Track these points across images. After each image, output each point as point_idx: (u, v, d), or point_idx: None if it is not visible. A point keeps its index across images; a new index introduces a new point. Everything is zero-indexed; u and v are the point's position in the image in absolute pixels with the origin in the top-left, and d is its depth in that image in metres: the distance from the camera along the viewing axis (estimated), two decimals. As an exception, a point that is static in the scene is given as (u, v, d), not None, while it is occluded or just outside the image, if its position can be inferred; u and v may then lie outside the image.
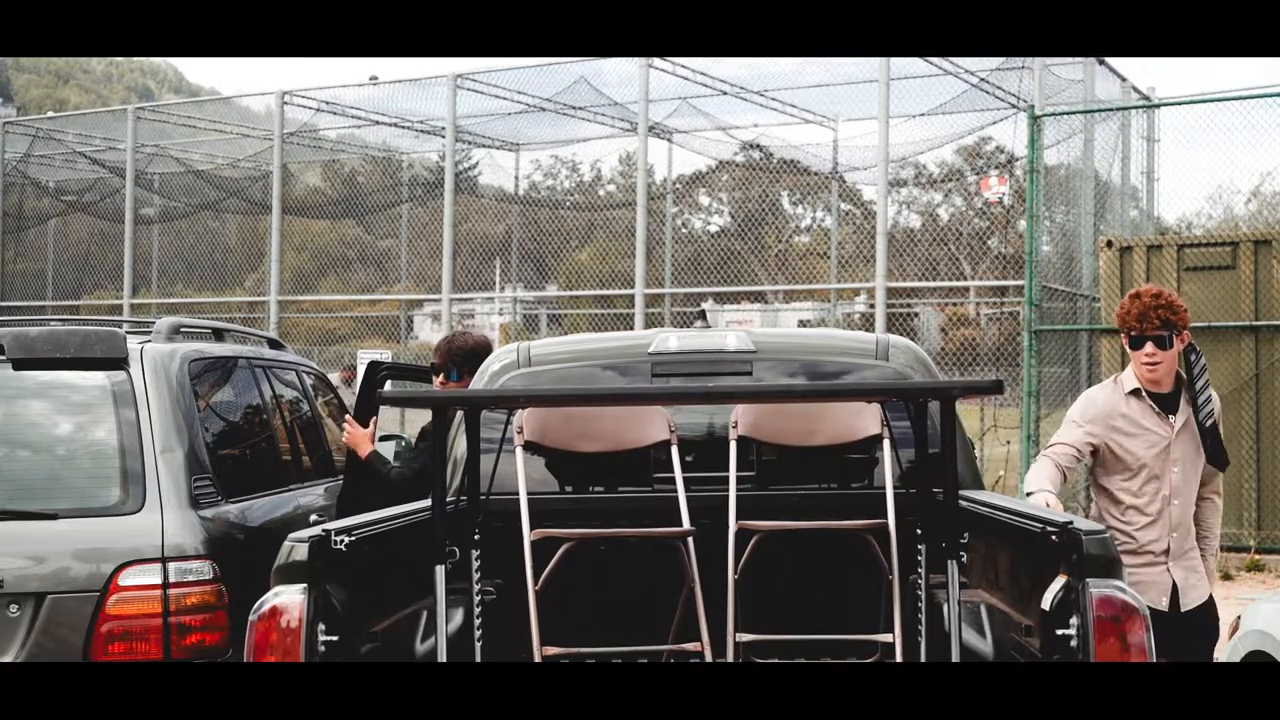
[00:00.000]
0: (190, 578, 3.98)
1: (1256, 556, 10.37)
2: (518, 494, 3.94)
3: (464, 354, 5.14)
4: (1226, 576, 10.12)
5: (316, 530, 3.07)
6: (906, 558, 3.82)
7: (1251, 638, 4.52)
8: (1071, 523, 3.00)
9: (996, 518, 3.51)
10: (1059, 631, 2.91)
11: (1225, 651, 4.71)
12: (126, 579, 3.96)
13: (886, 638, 3.76)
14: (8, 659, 3.92)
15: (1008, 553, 3.46)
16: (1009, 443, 11.46)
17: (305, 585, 2.95)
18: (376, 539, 3.36)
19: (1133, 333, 4.38)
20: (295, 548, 2.99)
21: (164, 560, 3.96)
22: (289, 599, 2.95)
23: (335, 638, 2.97)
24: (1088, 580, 2.87)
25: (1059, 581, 2.96)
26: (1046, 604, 2.97)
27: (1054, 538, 3.01)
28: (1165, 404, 4.43)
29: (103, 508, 4.07)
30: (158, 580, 3.93)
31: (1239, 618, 4.74)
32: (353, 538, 3.14)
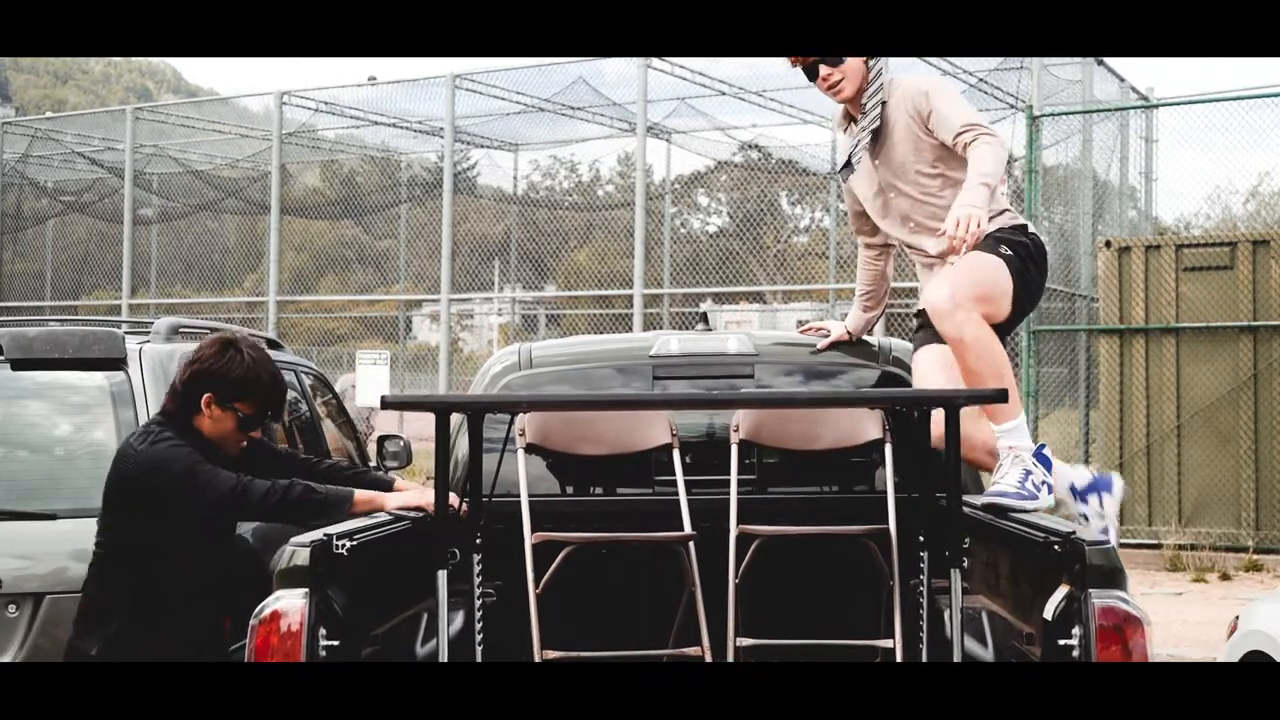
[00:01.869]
0: (189, 578, 3.97)
1: (1255, 556, 10.37)
2: (519, 497, 3.94)
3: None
4: (1225, 577, 10.13)
5: (318, 534, 3.06)
6: (908, 563, 3.81)
7: (1250, 638, 4.53)
8: (1074, 532, 2.99)
9: (999, 525, 3.50)
10: (1061, 641, 2.90)
11: (1224, 651, 4.71)
12: (125, 579, 3.95)
13: (887, 644, 3.75)
14: (6, 659, 3.92)
15: (1010, 561, 3.46)
16: (1008, 443, 11.45)
17: (306, 590, 2.95)
18: (378, 543, 3.35)
19: (802, 66, 4.08)
20: (296, 552, 2.99)
21: (163, 561, 3.95)
22: (290, 603, 2.95)
23: (336, 642, 2.97)
24: (1090, 590, 2.86)
25: (1061, 591, 2.95)
26: (1049, 613, 2.96)
27: (1057, 547, 3.01)
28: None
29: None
30: (157, 581, 3.92)
31: (1237, 618, 4.74)
32: (354, 542, 3.13)
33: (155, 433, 3.68)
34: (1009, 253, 3.89)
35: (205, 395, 3.72)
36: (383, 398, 3.11)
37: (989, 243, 3.88)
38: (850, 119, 4.18)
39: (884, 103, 4.04)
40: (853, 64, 4.02)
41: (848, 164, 4.11)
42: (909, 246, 4.19)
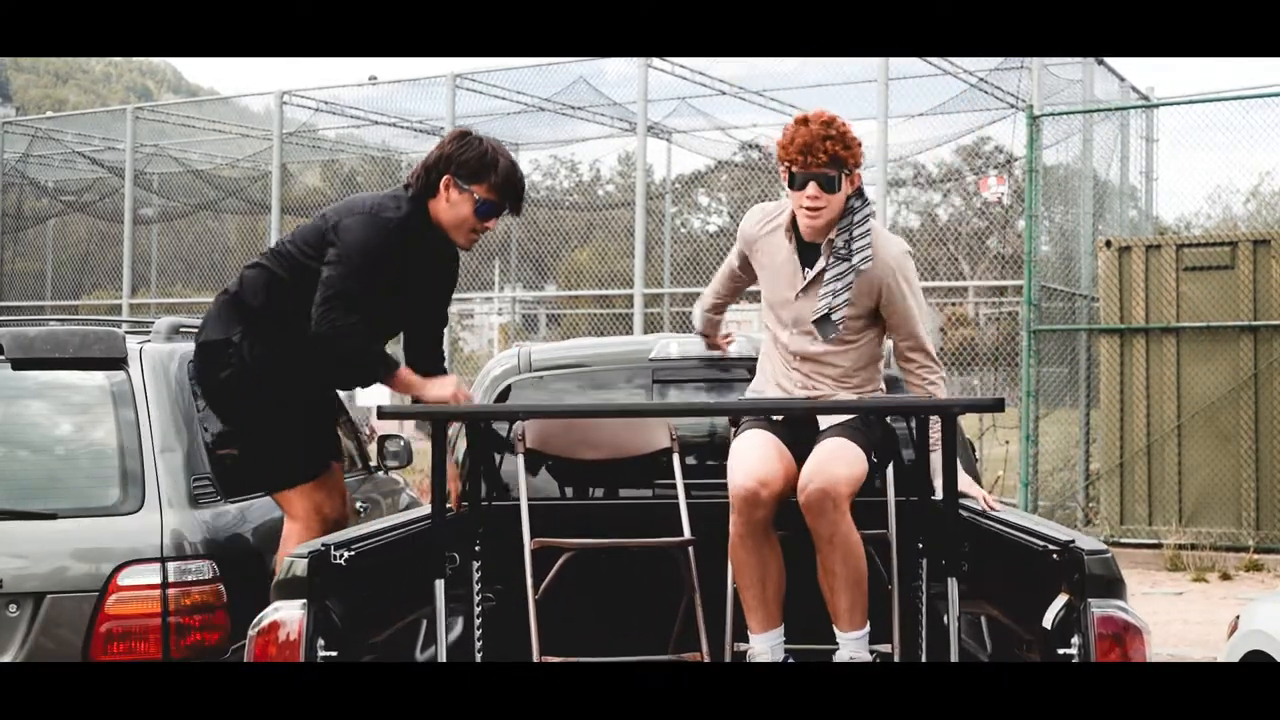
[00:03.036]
0: (190, 577, 3.97)
1: (1255, 556, 10.37)
2: (519, 501, 3.94)
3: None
4: (1225, 576, 10.13)
5: (316, 544, 3.06)
6: (907, 568, 3.81)
7: (1250, 638, 4.52)
8: (1074, 541, 2.99)
9: (998, 532, 3.49)
10: (1060, 650, 2.90)
11: (1224, 651, 4.71)
12: (126, 579, 3.95)
13: (886, 648, 3.75)
14: (7, 659, 3.92)
15: (1009, 568, 3.45)
16: (1008, 443, 11.47)
17: (305, 600, 2.95)
18: (376, 552, 3.35)
19: (794, 168, 3.70)
20: (295, 563, 2.98)
21: (163, 560, 3.95)
22: (288, 614, 2.95)
23: (334, 652, 2.96)
24: (1090, 600, 2.86)
25: (1060, 599, 2.95)
26: (1048, 622, 2.96)
27: (1055, 556, 3.00)
28: (809, 256, 3.81)
29: (102, 507, 4.07)
30: (157, 580, 3.92)
31: (1238, 617, 4.74)
32: (352, 552, 3.13)
33: (393, 207, 3.91)
34: (874, 460, 3.78)
35: (445, 177, 3.88)
36: (379, 408, 3.12)
37: (861, 436, 3.74)
38: (794, 236, 3.84)
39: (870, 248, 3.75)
40: (839, 197, 3.74)
41: (827, 317, 3.77)
42: (790, 351, 3.91)
